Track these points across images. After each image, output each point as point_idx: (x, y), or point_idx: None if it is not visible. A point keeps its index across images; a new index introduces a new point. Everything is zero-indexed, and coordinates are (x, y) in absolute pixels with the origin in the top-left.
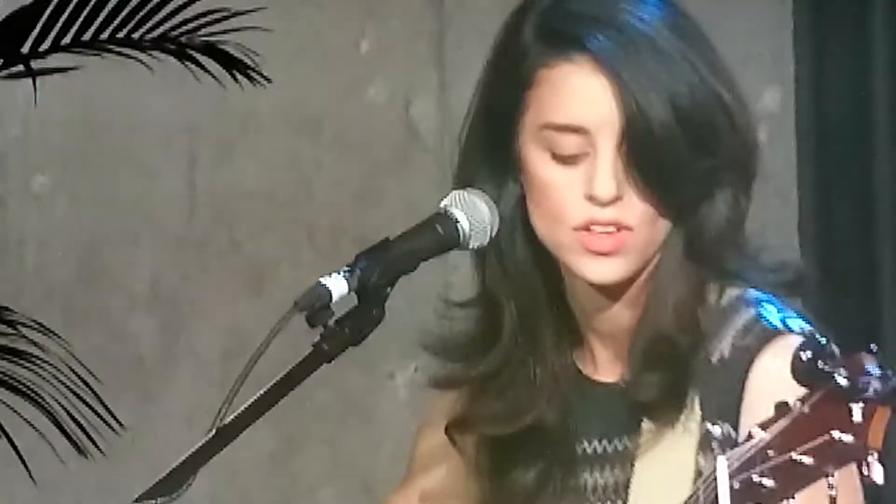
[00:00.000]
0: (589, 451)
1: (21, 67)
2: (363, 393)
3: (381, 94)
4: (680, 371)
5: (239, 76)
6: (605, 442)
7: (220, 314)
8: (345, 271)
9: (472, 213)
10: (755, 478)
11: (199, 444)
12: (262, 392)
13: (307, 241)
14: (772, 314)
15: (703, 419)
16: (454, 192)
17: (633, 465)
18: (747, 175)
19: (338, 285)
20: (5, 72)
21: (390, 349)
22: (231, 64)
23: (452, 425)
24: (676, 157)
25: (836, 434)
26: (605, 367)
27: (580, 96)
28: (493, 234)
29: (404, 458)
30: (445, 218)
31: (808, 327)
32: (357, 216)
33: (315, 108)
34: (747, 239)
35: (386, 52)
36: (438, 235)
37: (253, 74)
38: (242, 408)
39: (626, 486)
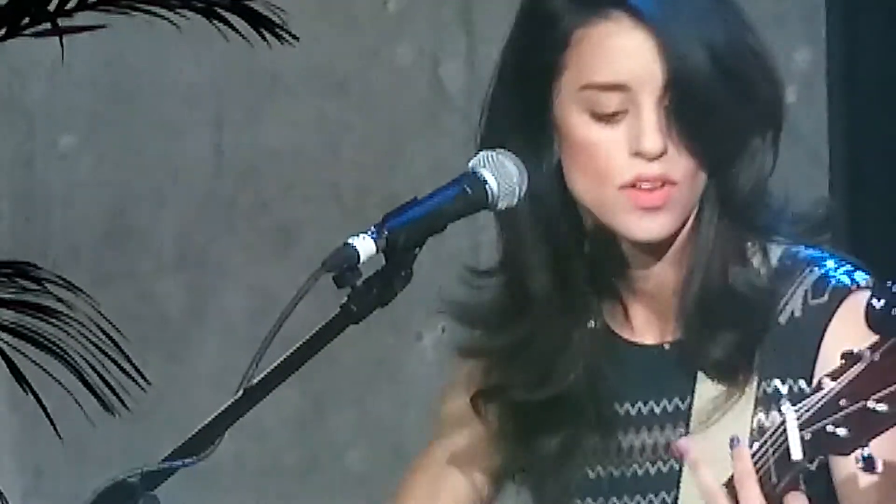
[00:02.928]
0: (633, 412)
1: (48, 26)
2: (391, 353)
3: (408, 54)
4: (744, 329)
5: (266, 34)
6: (651, 403)
7: (247, 274)
8: (372, 232)
9: (501, 174)
10: (829, 427)
11: (227, 404)
12: (289, 353)
13: (334, 201)
14: (837, 271)
15: (762, 378)
16: (482, 152)
17: (687, 425)
18: (776, 127)
19: (365, 246)
20: (32, 30)
21: (417, 310)
22: (258, 22)
23: (480, 394)
24: (718, 108)
25: None
26: (643, 329)
27: (621, 53)
28: (522, 194)
29: (432, 419)
30: (474, 178)
31: (871, 280)
32: (384, 176)
33: (342, 68)
34: (771, 192)
35: (413, 11)
36: (467, 196)
37: (280, 32)
38: (270, 368)
39: None
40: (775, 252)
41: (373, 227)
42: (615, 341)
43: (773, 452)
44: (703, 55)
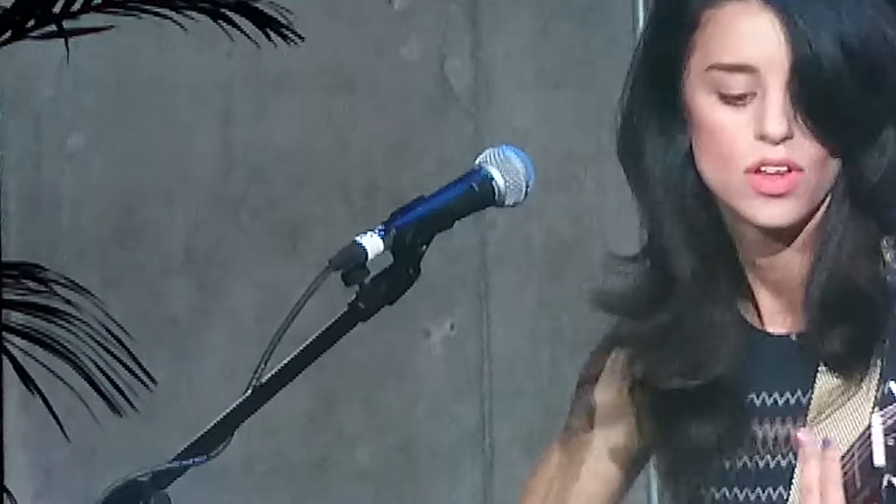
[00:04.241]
0: (758, 403)
1: (54, 27)
2: (399, 351)
3: (414, 51)
4: (866, 325)
5: (272, 34)
6: (776, 395)
7: (255, 272)
8: (380, 229)
9: (507, 170)
10: None
11: (236, 402)
12: (298, 351)
13: (342, 198)
14: None
15: (883, 377)
16: (489, 149)
17: (805, 419)
18: None
19: (373, 244)
20: (38, 31)
21: (426, 307)
22: (264, 22)
23: (631, 383)
24: (845, 95)
25: None
26: (773, 319)
27: (748, 34)
28: (529, 190)
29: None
30: (480, 175)
31: None
32: (391, 173)
33: (349, 66)
34: None
35: (419, 8)
36: (474, 193)
37: (286, 32)
38: (279, 367)
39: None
40: None
41: (380, 225)
42: (748, 329)
43: (859, 457)
44: (831, 40)
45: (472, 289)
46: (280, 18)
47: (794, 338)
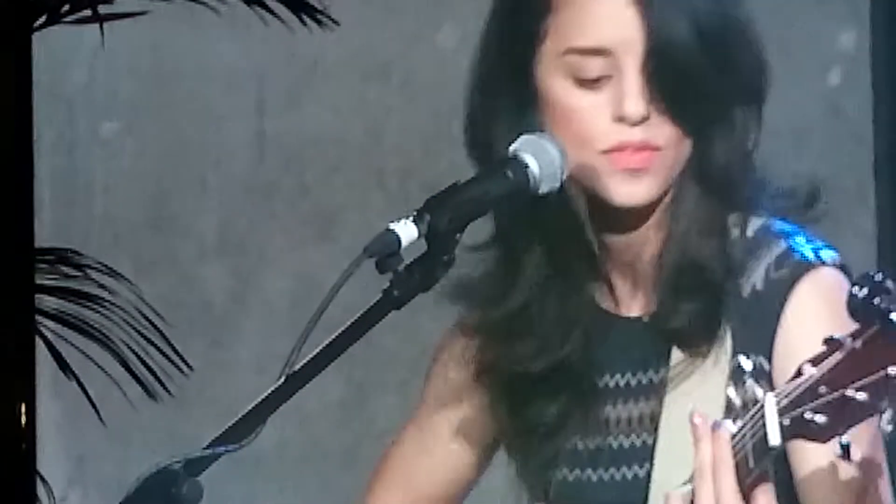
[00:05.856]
0: (612, 384)
1: (88, 12)
2: (433, 338)
3: (450, 37)
4: (712, 300)
5: (307, 20)
6: (628, 375)
7: (289, 260)
8: (414, 217)
9: (542, 157)
10: (807, 415)
11: (270, 390)
12: (331, 338)
13: (376, 186)
14: (803, 246)
15: (735, 352)
16: (524, 136)
17: (662, 398)
18: (757, 101)
19: (407, 231)
20: (73, 17)
21: None
22: (299, 7)
23: (480, 368)
24: (698, 75)
25: (892, 370)
26: (626, 302)
27: (603, 17)
28: (563, 177)
29: (424, 391)
30: (515, 162)
31: (838, 258)
32: (426, 161)
33: (384, 53)
34: (757, 168)
35: None
36: (508, 180)
37: (321, 17)
38: (312, 354)
39: (655, 419)
40: (754, 225)
41: (414, 212)
42: (599, 313)
43: (752, 437)
44: (683, 21)
45: None
46: (314, 3)
47: (645, 319)
